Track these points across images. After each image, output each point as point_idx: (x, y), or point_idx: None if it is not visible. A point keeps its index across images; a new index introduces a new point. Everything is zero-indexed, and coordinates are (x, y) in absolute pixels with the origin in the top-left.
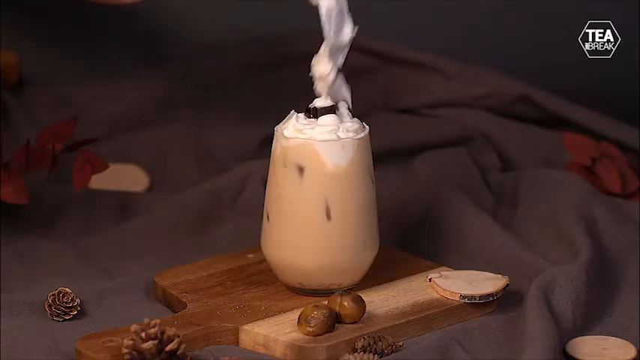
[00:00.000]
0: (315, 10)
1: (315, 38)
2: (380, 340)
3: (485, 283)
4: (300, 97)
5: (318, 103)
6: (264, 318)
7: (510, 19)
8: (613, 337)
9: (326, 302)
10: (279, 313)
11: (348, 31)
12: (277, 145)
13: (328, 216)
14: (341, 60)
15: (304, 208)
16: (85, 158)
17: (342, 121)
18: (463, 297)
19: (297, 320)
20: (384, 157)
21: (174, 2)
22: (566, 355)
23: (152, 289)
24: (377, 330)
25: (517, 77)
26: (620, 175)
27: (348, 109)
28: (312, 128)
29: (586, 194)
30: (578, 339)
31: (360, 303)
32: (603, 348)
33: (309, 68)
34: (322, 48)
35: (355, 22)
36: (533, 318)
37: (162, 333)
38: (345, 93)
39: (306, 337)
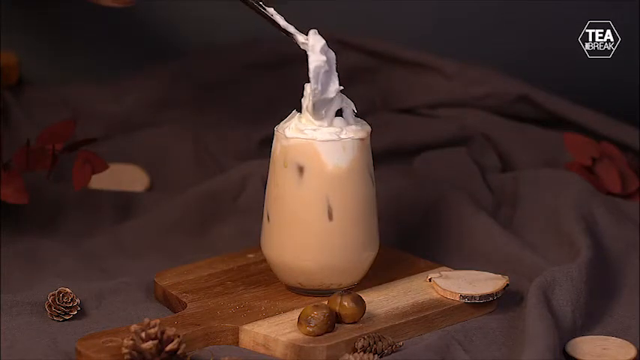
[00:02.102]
0: (314, 12)
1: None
2: (380, 340)
3: (485, 283)
4: (300, 97)
5: None
6: (264, 318)
7: (510, 19)
8: (613, 337)
9: (326, 302)
10: (279, 313)
11: (333, 90)
12: (277, 145)
13: (330, 216)
14: (324, 112)
15: (304, 208)
16: (85, 158)
17: (348, 124)
18: (463, 297)
19: (297, 320)
20: (384, 157)
21: (174, 2)
22: (566, 355)
23: (152, 289)
24: (377, 330)
25: (517, 77)
26: (620, 175)
27: (354, 112)
28: (314, 129)
29: (586, 194)
30: (578, 339)
31: (360, 303)
32: (603, 348)
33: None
34: (306, 102)
35: (356, 23)
36: (533, 318)
37: (163, 333)
38: (348, 103)
39: (306, 337)
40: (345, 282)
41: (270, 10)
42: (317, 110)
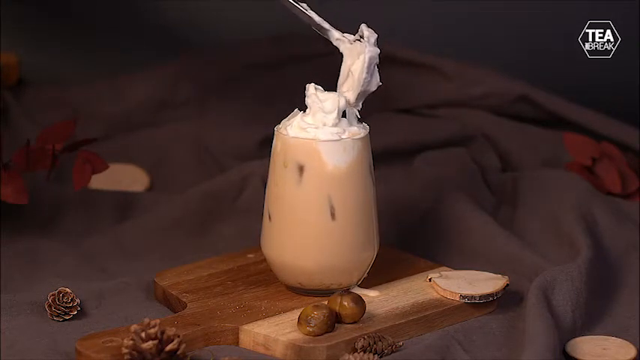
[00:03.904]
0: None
1: (314, 39)
2: (380, 340)
3: (485, 283)
4: (300, 97)
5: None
6: (264, 318)
7: (510, 19)
8: (613, 337)
9: (326, 302)
10: (279, 313)
11: (375, 83)
12: (278, 145)
13: (333, 216)
14: (361, 103)
15: (304, 207)
16: (85, 158)
17: (349, 124)
18: (463, 297)
19: (297, 320)
20: (384, 157)
21: (174, 3)
22: (566, 355)
23: (152, 289)
24: (377, 330)
25: (517, 77)
26: (620, 175)
27: (357, 116)
28: (316, 127)
29: (586, 194)
30: (578, 339)
31: (360, 303)
32: (603, 348)
33: (309, 68)
34: (349, 96)
35: (355, 22)
36: (533, 318)
37: (162, 333)
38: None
39: (306, 337)
40: (345, 282)
41: (303, 5)
42: (358, 100)
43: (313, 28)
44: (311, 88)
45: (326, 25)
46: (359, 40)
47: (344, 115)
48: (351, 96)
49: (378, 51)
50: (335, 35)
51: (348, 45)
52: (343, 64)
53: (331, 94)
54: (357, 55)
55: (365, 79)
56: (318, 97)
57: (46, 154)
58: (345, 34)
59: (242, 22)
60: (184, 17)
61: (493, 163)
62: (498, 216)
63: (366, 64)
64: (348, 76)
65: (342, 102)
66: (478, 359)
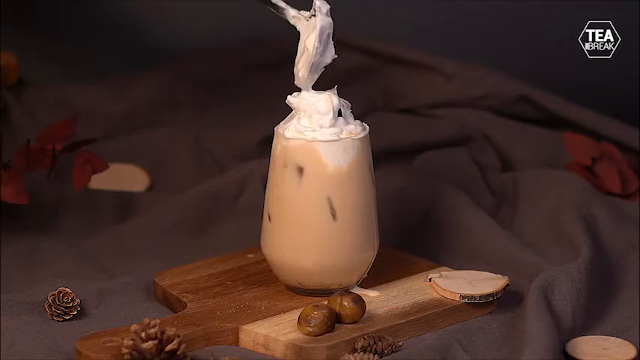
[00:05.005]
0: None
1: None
2: (380, 340)
3: (485, 283)
4: None
5: None
6: (264, 318)
7: (510, 19)
8: (613, 337)
9: (326, 302)
10: (279, 313)
11: (330, 56)
12: (277, 145)
13: (334, 216)
14: (315, 77)
15: (304, 208)
16: (85, 158)
17: (347, 123)
18: (463, 297)
19: (297, 320)
20: (384, 157)
21: (175, 3)
22: (566, 355)
23: (152, 289)
24: (377, 330)
25: (517, 77)
26: (620, 175)
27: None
28: (314, 130)
29: (586, 194)
30: (578, 339)
31: (360, 303)
32: (603, 348)
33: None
34: (300, 67)
35: (356, 22)
36: (533, 318)
37: (162, 333)
38: (345, 102)
39: (306, 337)
40: (345, 282)
41: None
42: (312, 73)
43: (268, 8)
44: (293, 97)
45: (281, 4)
46: (314, 16)
47: (340, 114)
48: (305, 69)
49: (330, 20)
50: (291, 13)
51: (305, 22)
52: (300, 42)
53: (322, 94)
54: (313, 30)
55: (317, 48)
56: (307, 99)
57: (46, 154)
58: (302, 12)
59: (242, 22)
60: (185, 17)
61: (493, 163)
62: (498, 216)
63: (317, 33)
64: (303, 52)
65: (336, 101)
66: (478, 359)
